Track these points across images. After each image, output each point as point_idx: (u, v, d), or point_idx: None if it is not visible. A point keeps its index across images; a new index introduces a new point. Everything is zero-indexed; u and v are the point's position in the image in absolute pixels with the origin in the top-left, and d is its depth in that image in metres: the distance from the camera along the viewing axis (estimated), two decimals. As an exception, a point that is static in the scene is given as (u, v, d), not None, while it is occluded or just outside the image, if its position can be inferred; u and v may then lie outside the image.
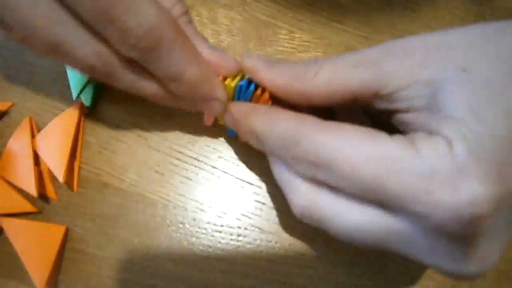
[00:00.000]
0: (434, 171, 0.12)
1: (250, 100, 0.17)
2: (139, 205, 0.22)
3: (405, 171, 0.12)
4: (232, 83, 0.17)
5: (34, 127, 0.22)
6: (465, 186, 0.12)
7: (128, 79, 0.16)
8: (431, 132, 0.13)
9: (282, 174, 0.16)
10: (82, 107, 0.22)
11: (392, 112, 0.15)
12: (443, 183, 0.12)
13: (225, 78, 0.18)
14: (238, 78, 0.18)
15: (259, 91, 0.17)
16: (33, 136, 0.22)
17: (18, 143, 0.21)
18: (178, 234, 0.21)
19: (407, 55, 0.14)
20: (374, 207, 0.14)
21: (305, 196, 0.15)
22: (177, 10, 0.17)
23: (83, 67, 0.15)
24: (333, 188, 0.15)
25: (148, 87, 0.17)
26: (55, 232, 0.21)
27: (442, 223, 0.12)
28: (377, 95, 0.15)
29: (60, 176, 0.20)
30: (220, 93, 0.17)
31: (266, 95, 0.17)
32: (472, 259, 0.13)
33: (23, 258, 0.20)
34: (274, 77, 0.16)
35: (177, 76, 0.16)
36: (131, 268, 0.21)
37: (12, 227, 0.20)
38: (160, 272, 0.21)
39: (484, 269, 0.14)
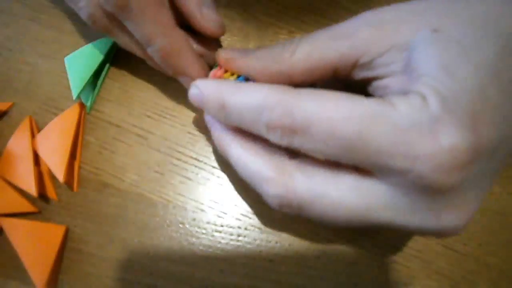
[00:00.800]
0: (412, 124, 0.12)
1: None
2: (139, 205, 0.22)
3: (385, 126, 0.12)
4: (231, 78, 0.17)
5: (34, 127, 0.22)
6: (443, 136, 0.12)
7: (121, 36, 0.19)
8: (406, 91, 0.13)
9: (248, 167, 0.16)
10: (82, 107, 0.22)
11: (370, 80, 0.15)
12: (421, 135, 0.12)
13: (225, 71, 0.18)
14: (235, 75, 0.18)
15: None
16: (33, 136, 0.22)
17: (18, 143, 0.21)
18: (178, 234, 0.21)
19: (382, 23, 0.14)
20: (352, 176, 0.14)
21: (279, 184, 0.15)
22: None
23: (88, 17, 0.18)
24: (308, 160, 0.15)
25: (134, 48, 0.19)
26: (55, 232, 0.21)
27: (423, 175, 0.12)
28: (356, 65, 0.15)
29: (60, 176, 0.20)
30: (191, 70, 0.18)
31: None
32: (452, 211, 0.14)
33: (23, 258, 0.20)
34: (251, 62, 0.17)
35: (147, 42, 0.17)
36: (131, 268, 0.21)
37: (12, 227, 0.20)
38: (160, 272, 0.21)
39: (464, 221, 0.14)
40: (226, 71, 0.18)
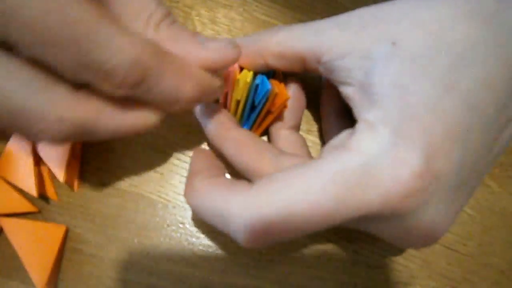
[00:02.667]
0: (370, 161, 0.13)
1: (267, 99, 0.17)
2: (139, 205, 0.22)
3: (348, 177, 0.13)
4: (247, 78, 0.17)
5: None
6: (399, 163, 0.12)
7: (116, 120, 0.13)
8: (359, 115, 0.14)
9: (243, 161, 0.17)
10: None
11: (336, 83, 0.16)
12: (381, 172, 0.13)
13: (241, 69, 0.18)
14: (251, 73, 0.18)
15: (275, 89, 0.17)
16: None
17: (18, 143, 0.21)
18: (178, 234, 0.21)
19: (347, 25, 0.15)
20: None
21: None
22: (157, 16, 0.14)
23: (54, 136, 0.12)
24: None
25: (142, 118, 0.14)
26: (55, 232, 0.21)
27: (388, 205, 0.13)
28: (319, 62, 0.15)
29: (60, 176, 0.20)
30: (219, 93, 0.17)
31: (283, 90, 0.17)
32: (421, 233, 0.14)
33: (23, 258, 0.20)
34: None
35: (175, 97, 0.14)
36: (131, 268, 0.21)
37: (12, 227, 0.20)
38: (160, 272, 0.21)
39: (440, 233, 0.15)
40: (241, 70, 0.18)
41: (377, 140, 0.13)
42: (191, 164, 0.18)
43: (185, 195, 0.16)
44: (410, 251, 0.22)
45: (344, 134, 0.15)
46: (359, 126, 0.14)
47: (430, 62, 0.13)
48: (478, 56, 0.13)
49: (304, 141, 0.20)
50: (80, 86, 0.12)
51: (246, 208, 0.13)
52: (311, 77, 0.22)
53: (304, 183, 0.13)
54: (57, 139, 0.12)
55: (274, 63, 0.17)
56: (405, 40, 0.13)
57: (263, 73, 0.19)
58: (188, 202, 0.16)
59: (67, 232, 0.21)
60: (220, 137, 0.18)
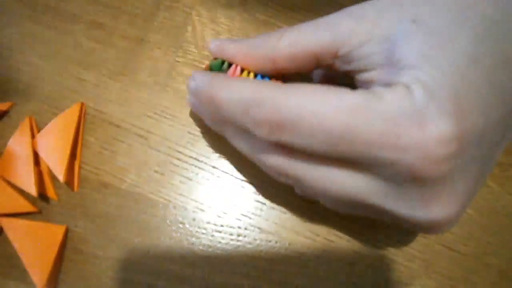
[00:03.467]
0: (399, 114, 0.12)
1: None
2: (139, 205, 0.22)
3: (372, 117, 0.13)
4: (250, 75, 0.17)
5: (34, 127, 0.22)
6: (429, 125, 0.12)
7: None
8: (391, 83, 0.14)
9: (244, 145, 0.17)
10: (82, 106, 0.22)
11: (354, 73, 0.16)
12: (408, 125, 0.12)
13: (242, 70, 0.18)
14: (252, 73, 0.18)
15: None
16: (33, 136, 0.22)
17: (18, 143, 0.21)
18: (178, 234, 0.21)
19: (362, 15, 0.15)
20: (341, 168, 0.14)
21: (277, 160, 0.15)
22: None
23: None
24: (298, 153, 0.15)
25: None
26: (55, 232, 0.21)
27: (411, 166, 0.12)
28: (336, 56, 0.15)
29: (61, 176, 0.20)
30: None
31: None
32: (441, 201, 0.14)
33: (23, 258, 0.20)
34: (239, 47, 0.17)
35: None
36: (131, 268, 0.21)
37: (12, 227, 0.20)
38: (160, 272, 0.21)
39: (454, 212, 0.14)
40: (242, 71, 0.18)
41: (410, 97, 0.12)
42: (198, 75, 0.17)
43: (211, 91, 0.16)
44: (410, 251, 0.22)
45: (381, 84, 0.14)
46: (396, 85, 0.13)
47: (453, 35, 0.13)
48: (499, 33, 0.13)
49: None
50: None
51: (271, 103, 0.14)
52: (310, 78, 0.22)
53: (327, 99, 0.13)
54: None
55: (285, 65, 0.16)
56: (425, 17, 0.13)
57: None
58: (210, 95, 0.16)
59: (67, 232, 0.21)
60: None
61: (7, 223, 0.20)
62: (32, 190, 0.20)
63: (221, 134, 0.18)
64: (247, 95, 0.14)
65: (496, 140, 0.14)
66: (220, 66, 0.18)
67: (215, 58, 0.19)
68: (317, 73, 0.22)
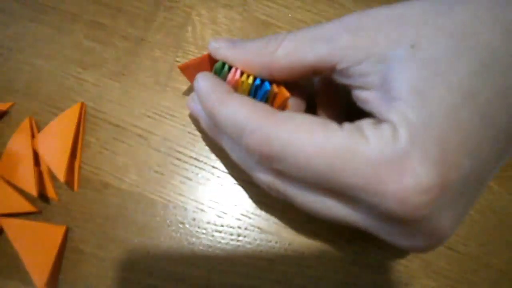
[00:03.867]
0: (381, 159, 0.12)
1: (267, 99, 0.17)
2: (139, 205, 0.22)
3: (356, 161, 0.13)
4: (249, 80, 0.17)
5: (34, 127, 0.22)
6: (409, 173, 0.12)
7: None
8: (381, 116, 0.14)
9: (240, 158, 0.17)
10: (82, 106, 0.22)
11: (351, 88, 0.15)
12: (389, 170, 0.12)
13: (242, 73, 0.18)
14: (253, 76, 0.18)
15: (275, 88, 0.17)
16: (33, 136, 0.22)
17: (18, 143, 0.21)
18: (178, 234, 0.21)
19: (360, 29, 0.14)
20: (330, 196, 0.15)
21: (267, 178, 0.16)
22: None
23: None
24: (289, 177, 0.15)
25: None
26: (55, 232, 0.21)
27: (390, 210, 0.13)
28: (334, 70, 0.15)
29: (61, 176, 0.20)
30: None
31: (283, 90, 0.17)
32: (426, 235, 0.14)
33: (23, 258, 0.20)
34: (236, 54, 0.17)
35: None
36: (131, 268, 0.21)
37: (12, 227, 0.20)
38: (160, 272, 0.21)
39: (439, 241, 0.14)
40: (242, 73, 0.18)
41: (394, 142, 0.12)
42: (204, 81, 0.17)
43: (209, 104, 0.16)
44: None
45: (369, 121, 0.14)
46: (383, 125, 0.13)
47: (450, 67, 0.12)
48: (498, 65, 0.12)
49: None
50: None
51: (263, 128, 0.14)
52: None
53: (314, 137, 0.13)
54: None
55: (282, 75, 0.16)
56: (425, 43, 0.13)
57: None
58: (209, 109, 0.16)
59: (67, 232, 0.21)
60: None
61: (7, 223, 0.20)
62: (32, 190, 0.20)
63: (216, 140, 0.18)
64: (241, 120, 0.15)
65: (487, 171, 0.14)
66: (221, 68, 0.18)
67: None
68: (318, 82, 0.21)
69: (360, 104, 0.15)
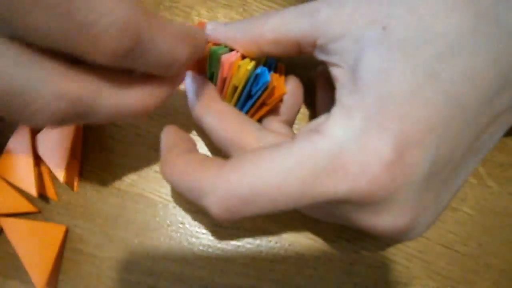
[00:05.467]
0: (340, 147, 0.13)
1: (264, 90, 0.18)
2: (139, 205, 0.22)
3: (320, 162, 0.13)
4: (248, 66, 0.17)
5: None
6: (369, 149, 0.12)
7: (113, 101, 0.12)
8: (339, 98, 0.14)
9: (221, 136, 0.17)
10: None
11: (328, 65, 0.16)
12: (350, 154, 0.13)
13: (243, 57, 0.18)
14: (253, 62, 0.18)
15: (274, 82, 0.17)
16: (33, 136, 0.22)
17: (18, 143, 0.21)
18: (178, 234, 0.21)
19: (341, 5, 0.14)
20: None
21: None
22: None
23: (51, 116, 0.11)
24: None
25: (143, 96, 0.14)
26: (55, 232, 0.21)
27: (360, 193, 0.13)
28: (314, 45, 0.15)
29: (61, 176, 0.20)
30: (204, 45, 0.16)
31: (281, 85, 0.18)
32: (392, 213, 0.14)
33: (23, 258, 0.20)
34: (229, 32, 0.17)
35: (171, 60, 0.13)
36: (131, 268, 0.21)
37: (12, 227, 0.20)
38: (160, 272, 0.21)
39: (408, 222, 0.14)
40: (243, 57, 0.18)
41: (350, 125, 0.13)
42: (163, 140, 0.17)
43: (162, 171, 0.16)
44: (410, 251, 0.22)
45: (322, 117, 0.15)
46: (335, 110, 0.14)
47: (417, 50, 0.13)
48: (466, 48, 0.13)
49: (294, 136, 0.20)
50: (76, 63, 0.11)
51: (217, 187, 0.14)
52: (312, 77, 0.22)
53: (274, 164, 0.13)
54: (54, 120, 0.11)
55: (269, 50, 0.17)
56: (394, 25, 0.13)
57: (264, 64, 0.19)
58: (165, 178, 0.16)
59: (67, 232, 0.21)
60: (204, 107, 0.17)
61: (7, 223, 0.20)
62: (32, 190, 0.20)
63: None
64: (192, 184, 0.14)
65: (459, 152, 0.14)
66: (217, 53, 0.18)
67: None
68: (321, 68, 0.22)
69: (333, 81, 0.15)
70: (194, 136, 0.23)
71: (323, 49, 0.15)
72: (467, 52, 0.13)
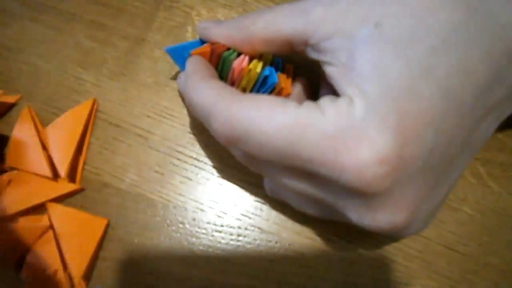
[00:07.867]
0: (336, 130, 0.13)
1: (272, 90, 0.17)
2: (139, 205, 0.22)
3: (314, 135, 0.13)
4: (257, 68, 0.17)
5: (34, 115, 0.22)
6: (366, 142, 0.12)
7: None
8: (340, 91, 0.14)
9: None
10: (94, 103, 0.22)
11: (321, 64, 0.16)
12: (345, 142, 0.12)
13: (251, 58, 0.18)
14: (261, 64, 0.18)
15: (282, 83, 0.17)
16: (35, 123, 0.21)
17: (23, 131, 0.21)
18: (178, 234, 0.21)
19: (334, 3, 0.14)
20: (295, 173, 0.15)
21: (239, 156, 0.16)
22: None
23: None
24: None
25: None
26: (97, 225, 0.20)
27: (350, 183, 0.13)
28: (306, 44, 0.15)
29: (62, 171, 0.20)
30: None
31: (288, 86, 0.18)
32: (387, 210, 0.14)
33: (63, 247, 0.20)
34: (221, 30, 0.17)
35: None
36: (131, 268, 0.21)
37: (58, 213, 0.20)
38: (160, 272, 0.21)
39: (404, 219, 0.14)
40: (251, 60, 0.18)
41: (351, 113, 0.13)
42: (188, 65, 0.18)
43: (184, 91, 0.17)
44: (410, 251, 0.22)
45: (328, 97, 0.14)
46: (340, 99, 0.14)
47: (411, 44, 0.13)
48: (459, 42, 0.13)
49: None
50: None
51: (224, 116, 0.14)
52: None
53: (272, 116, 0.14)
54: None
55: (262, 48, 0.17)
56: (388, 22, 0.13)
57: (271, 64, 0.19)
58: (185, 97, 0.17)
59: (108, 225, 0.21)
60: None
61: (53, 208, 0.20)
62: (47, 172, 0.20)
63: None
64: (207, 105, 0.15)
65: (455, 146, 0.14)
66: (229, 60, 0.18)
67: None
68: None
69: (329, 80, 0.15)
70: (192, 135, 0.23)
71: (316, 47, 0.15)
72: (461, 45, 0.13)
